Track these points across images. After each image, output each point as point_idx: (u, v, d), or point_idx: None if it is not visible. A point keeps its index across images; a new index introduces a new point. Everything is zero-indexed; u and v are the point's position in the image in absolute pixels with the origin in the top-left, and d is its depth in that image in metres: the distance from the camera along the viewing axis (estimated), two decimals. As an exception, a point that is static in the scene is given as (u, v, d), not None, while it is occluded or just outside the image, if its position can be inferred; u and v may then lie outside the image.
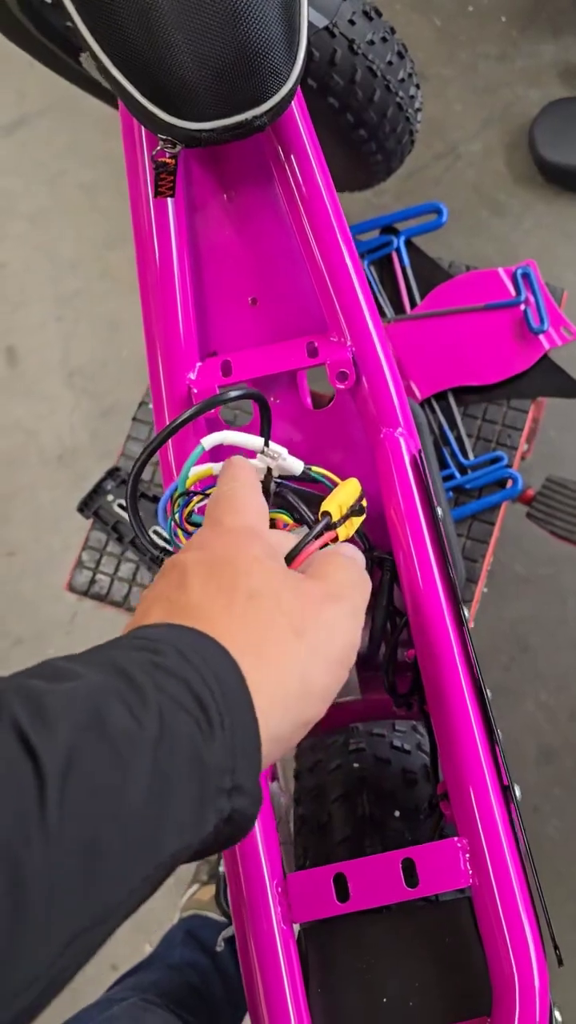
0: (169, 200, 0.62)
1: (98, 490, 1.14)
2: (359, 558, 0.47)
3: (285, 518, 0.52)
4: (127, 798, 0.29)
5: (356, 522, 0.51)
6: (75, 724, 0.29)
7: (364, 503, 0.53)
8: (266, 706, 0.35)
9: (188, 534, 0.52)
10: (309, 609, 0.40)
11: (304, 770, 0.80)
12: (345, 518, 0.50)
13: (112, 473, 1.14)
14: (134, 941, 1.54)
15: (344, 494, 0.50)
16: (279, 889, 0.53)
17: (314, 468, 0.54)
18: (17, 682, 0.30)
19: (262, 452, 0.53)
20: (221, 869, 1.35)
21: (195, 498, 0.52)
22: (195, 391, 0.63)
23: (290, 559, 0.46)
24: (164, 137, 0.55)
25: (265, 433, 0.56)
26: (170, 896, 1.54)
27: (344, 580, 0.43)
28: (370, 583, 0.46)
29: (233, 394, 0.53)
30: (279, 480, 0.53)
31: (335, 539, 0.50)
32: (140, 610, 0.39)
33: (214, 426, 0.67)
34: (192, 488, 0.52)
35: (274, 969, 0.52)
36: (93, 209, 1.79)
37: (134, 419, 1.18)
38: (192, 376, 0.64)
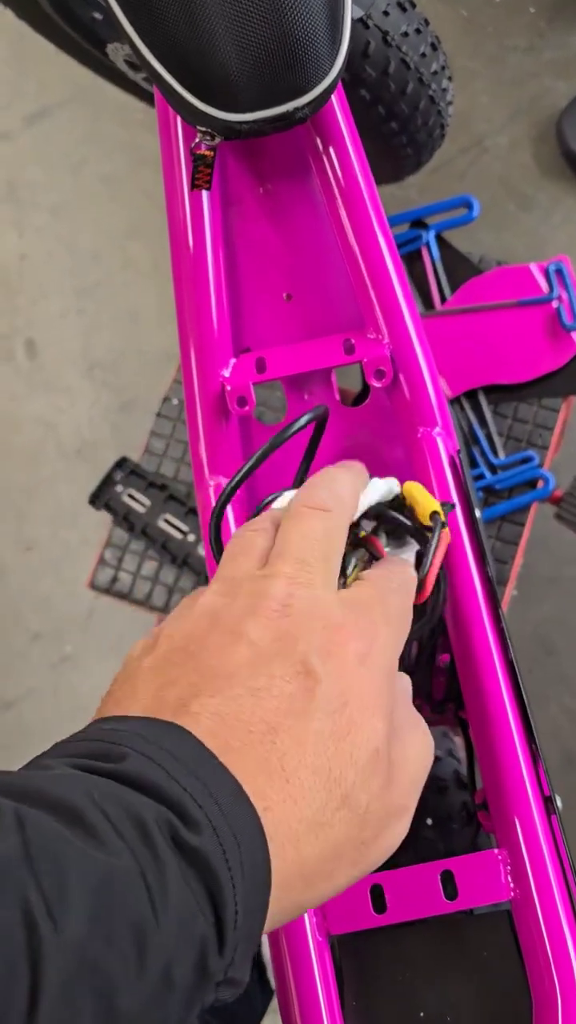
0: (204, 193, 0.61)
1: (108, 481, 1.13)
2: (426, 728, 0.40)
3: (380, 543, 0.46)
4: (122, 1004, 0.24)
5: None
6: (89, 917, 0.24)
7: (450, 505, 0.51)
8: (276, 914, 0.30)
9: None
10: (382, 832, 0.34)
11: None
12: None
13: (120, 464, 1.13)
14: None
15: (423, 495, 0.47)
16: (314, 900, 0.52)
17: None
18: (39, 827, 0.25)
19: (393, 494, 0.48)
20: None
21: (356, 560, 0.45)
22: (228, 388, 0.62)
23: (420, 587, 0.42)
24: (203, 129, 0.54)
25: (313, 447, 0.53)
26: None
27: (419, 774, 0.37)
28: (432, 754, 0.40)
29: (304, 420, 0.48)
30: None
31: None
32: (231, 704, 0.31)
33: (246, 426, 0.66)
34: None
35: (309, 981, 0.51)
36: (114, 200, 1.78)
37: (158, 415, 1.16)
38: (226, 373, 0.63)
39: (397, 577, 0.40)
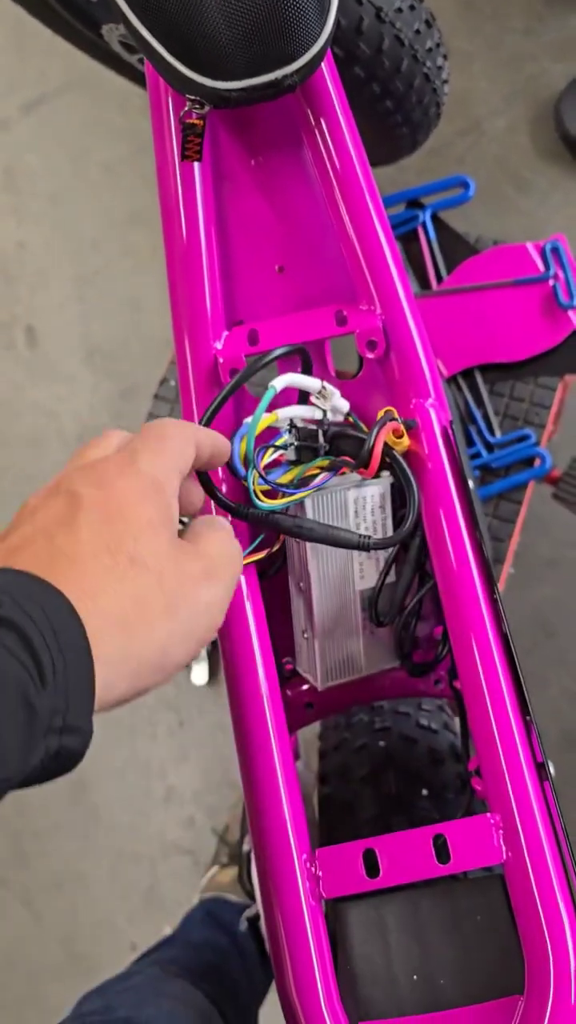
0: (196, 165, 0.61)
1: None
2: (231, 531, 0.47)
3: (323, 463, 0.58)
4: None
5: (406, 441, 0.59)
6: None
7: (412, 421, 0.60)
8: (108, 670, 0.36)
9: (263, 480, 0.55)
10: (187, 588, 0.40)
11: (329, 749, 0.79)
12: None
13: None
14: (154, 922, 1.54)
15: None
16: (308, 864, 0.53)
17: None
18: None
19: (319, 391, 0.57)
20: (245, 848, 1.35)
21: (268, 450, 0.57)
22: (221, 360, 0.62)
23: (367, 461, 0.54)
24: (192, 97, 0.54)
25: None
26: (190, 878, 1.54)
27: (222, 554, 0.44)
28: (241, 557, 0.47)
29: (279, 351, 0.57)
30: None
31: (399, 435, 0.58)
32: (17, 535, 0.39)
33: (239, 398, 0.66)
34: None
35: (302, 944, 0.51)
36: (114, 186, 1.78)
37: (155, 396, 1.17)
38: (218, 345, 0.63)
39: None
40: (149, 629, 0.38)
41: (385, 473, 0.60)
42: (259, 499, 0.55)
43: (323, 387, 0.57)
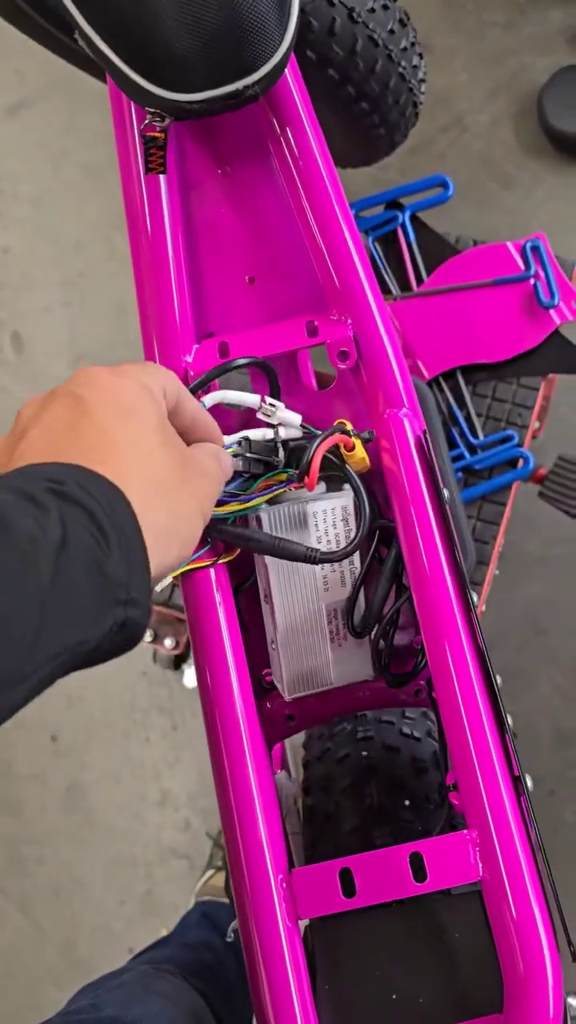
0: (161, 177, 0.60)
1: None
2: (227, 461, 0.53)
3: (281, 476, 0.59)
4: (32, 582, 0.33)
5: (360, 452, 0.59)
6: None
7: (369, 433, 0.60)
8: (153, 541, 0.40)
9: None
10: (194, 471, 0.46)
11: (312, 759, 0.79)
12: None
13: None
14: (151, 926, 1.54)
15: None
16: (284, 885, 0.52)
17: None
18: None
19: (260, 407, 0.58)
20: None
21: None
22: (191, 373, 0.61)
23: (305, 472, 0.55)
24: (152, 110, 0.53)
25: (274, 396, 0.61)
26: (186, 882, 1.54)
27: (212, 470, 0.49)
28: (222, 479, 0.52)
29: (241, 361, 0.58)
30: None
31: (350, 448, 0.58)
32: (30, 441, 0.41)
33: (213, 411, 0.65)
34: None
35: (279, 968, 0.50)
36: (96, 190, 1.77)
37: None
38: (189, 358, 0.62)
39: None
40: (181, 500, 0.44)
41: (347, 486, 0.60)
42: None
43: (263, 402, 0.58)
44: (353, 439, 0.58)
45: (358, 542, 0.58)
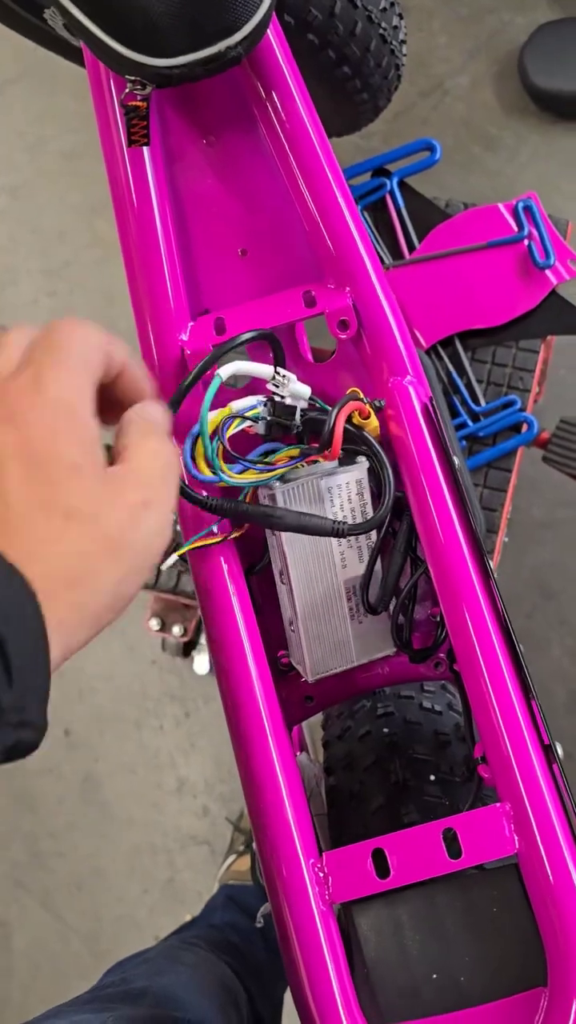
0: (145, 150, 0.58)
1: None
2: (165, 422, 0.44)
3: (293, 452, 0.56)
4: None
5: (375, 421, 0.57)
6: None
7: (380, 402, 0.59)
8: (68, 632, 0.35)
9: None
10: (126, 525, 0.38)
11: (332, 739, 0.78)
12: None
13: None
14: (176, 914, 1.54)
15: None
16: (315, 869, 0.51)
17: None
18: None
19: (272, 378, 0.55)
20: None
21: (235, 420, 0.54)
22: (188, 352, 0.60)
23: (328, 443, 0.53)
24: (132, 78, 0.51)
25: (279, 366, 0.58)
26: (208, 868, 1.53)
27: (156, 470, 0.41)
28: (179, 463, 0.46)
29: (246, 336, 0.56)
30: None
31: (365, 415, 0.56)
32: None
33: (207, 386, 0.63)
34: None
35: (316, 953, 0.49)
36: (76, 176, 1.74)
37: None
38: (184, 337, 0.60)
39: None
40: (98, 579, 0.36)
41: (361, 458, 0.59)
42: (224, 473, 0.53)
43: (276, 373, 0.55)
44: (367, 407, 0.56)
45: (385, 512, 0.56)
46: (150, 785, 1.58)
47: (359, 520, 0.59)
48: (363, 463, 0.59)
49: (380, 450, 0.57)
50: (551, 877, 0.48)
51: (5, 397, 0.38)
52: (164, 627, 1.37)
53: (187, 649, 1.49)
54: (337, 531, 0.55)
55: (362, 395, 0.57)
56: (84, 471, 0.37)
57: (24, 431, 0.36)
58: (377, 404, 0.58)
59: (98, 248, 1.72)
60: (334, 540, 0.59)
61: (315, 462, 0.57)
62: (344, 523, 0.55)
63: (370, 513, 0.59)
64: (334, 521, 0.55)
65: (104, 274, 1.70)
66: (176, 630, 1.36)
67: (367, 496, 0.59)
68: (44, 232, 1.75)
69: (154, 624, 1.37)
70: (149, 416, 0.43)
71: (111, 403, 0.44)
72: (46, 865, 1.61)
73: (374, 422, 0.57)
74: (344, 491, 0.58)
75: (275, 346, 0.58)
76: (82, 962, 1.57)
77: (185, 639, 1.38)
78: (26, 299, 1.73)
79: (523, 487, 1.22)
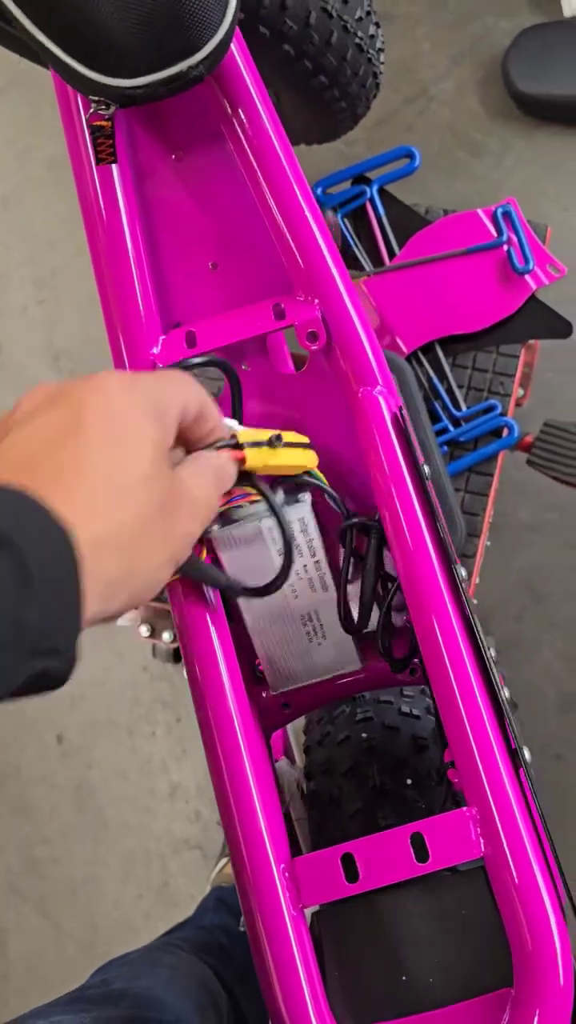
0: (114, 167, 0.59)
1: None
2: (228, 473, 0.49)
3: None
4: None
5: (286, 454, 0.53)
6: None
7: (305, 439, 0.56)
8: (97, 589, 0.36)
9: None
10: (180, 508, 0.42)
11: (313, 744, 0.79)
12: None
13: None
14: (171, 919, 1.54)
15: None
16: (286, 874, 0.52)
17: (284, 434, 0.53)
18: None
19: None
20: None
21: None
22: (159, 366, 0.60)
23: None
24: (96, 99, 0.52)
25: (236, 400, 0.57)
26: (201, 872, 1.54)
27: (202, 499, 0.46)
28: (217, 507, 0.49)
29: (195, 361, 0.54)
30: None
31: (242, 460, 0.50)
32: (16, 448, 0.38)
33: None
34: None
35: (287, 957, 0.50)
36: (63, 184, 1.75)
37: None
38: (156, 350, 0.61)
39: None
40: (150, 548, 0.40)
41: (303, 495, 0.58)
42: None
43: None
44: (247, 450, 0.50)
45: (283, 576, 0.54)
46: (143, 790, 1.59)
47: (306, 557, 0.59)
48: (306, 499, 0.58)
49: (270, 495, 0.52)
50: (516, 879, 0.49)
51: (103, 379, 0.41)
52: (154, 633, 1.37)
53: (177, 655, 1.49)
54: (232, 590, 0.56)
55: (263, 435, 0.52)
56: (160, 452, 0.41)
57: (114, 404, 0.40)
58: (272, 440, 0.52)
59: (86, 256, 1.72)
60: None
61: (255, 501, 0.54)
62: (239, 584, 0.56)
63: (318, 548, 0.59)
64: (228, 579, 0.56)
65: (92, 281, 1.71)
66: (166, 636, 1.37)
67: (312, 531, 0.59)
68: (33, 240, 1.76)
69: (144, 631, 1.37)
70: (211, 465, 0.48)
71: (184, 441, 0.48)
72: (41, 871, 1.61)
73: (257, 462, 0.51)
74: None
75: (231, 377, 0.56)
76: (78, 967, 1.57)
77: (175, 645, 1.39)
78: (17, 307, 1.74)
79: (509, 491, 1.23)
